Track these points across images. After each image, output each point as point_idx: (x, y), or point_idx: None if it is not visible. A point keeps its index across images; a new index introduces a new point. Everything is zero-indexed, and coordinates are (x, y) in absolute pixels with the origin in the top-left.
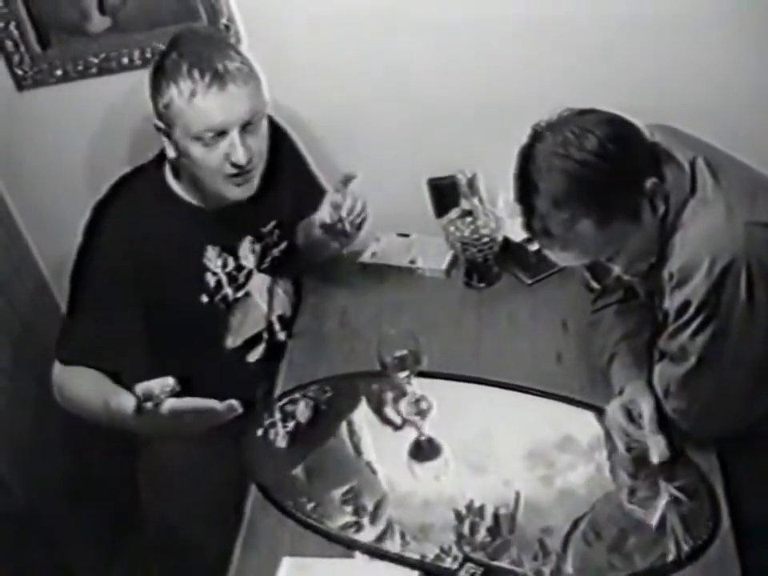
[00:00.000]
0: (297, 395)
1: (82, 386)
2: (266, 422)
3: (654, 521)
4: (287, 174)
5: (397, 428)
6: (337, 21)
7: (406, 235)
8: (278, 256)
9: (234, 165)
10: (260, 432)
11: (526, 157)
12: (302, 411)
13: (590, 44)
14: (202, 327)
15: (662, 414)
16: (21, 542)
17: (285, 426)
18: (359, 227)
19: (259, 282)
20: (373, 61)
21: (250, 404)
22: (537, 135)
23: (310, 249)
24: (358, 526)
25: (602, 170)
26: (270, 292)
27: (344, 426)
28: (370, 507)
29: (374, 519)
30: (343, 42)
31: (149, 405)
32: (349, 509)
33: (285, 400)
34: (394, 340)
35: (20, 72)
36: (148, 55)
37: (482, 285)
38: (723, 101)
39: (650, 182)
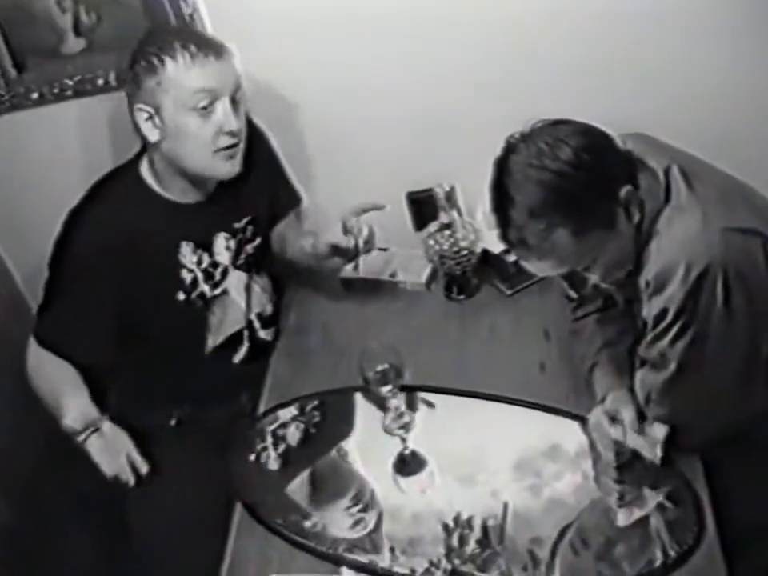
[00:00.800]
0: (287, 419)
1: (46, 375)
2: (259, 447)
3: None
4: (261, 170)
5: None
6: (314, 37)
7: (386, 249)
8: (253, 252)
9: (228, 134)
10: (252, 457)
11: (501, 168)
12: (293, 434)
13: (568, 56)
14: (182, 327)
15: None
16: (7, 560)
17: (276, 449)
18: (367, 252)
19: (236, 279)
20: (349, 75)
21: (235, 409)
22: (511, 147)
23: (295, 259)
24: (364, 523)
25: (576, 180)
26: (248, 289)
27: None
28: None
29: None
30: (317, 59)
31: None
32: (355, 510)
33: (275, 425)
34: (375, 354)
35: None
36: (124, 76)
37: (461, 297)
38: (708, 111)
39: (624, 191)
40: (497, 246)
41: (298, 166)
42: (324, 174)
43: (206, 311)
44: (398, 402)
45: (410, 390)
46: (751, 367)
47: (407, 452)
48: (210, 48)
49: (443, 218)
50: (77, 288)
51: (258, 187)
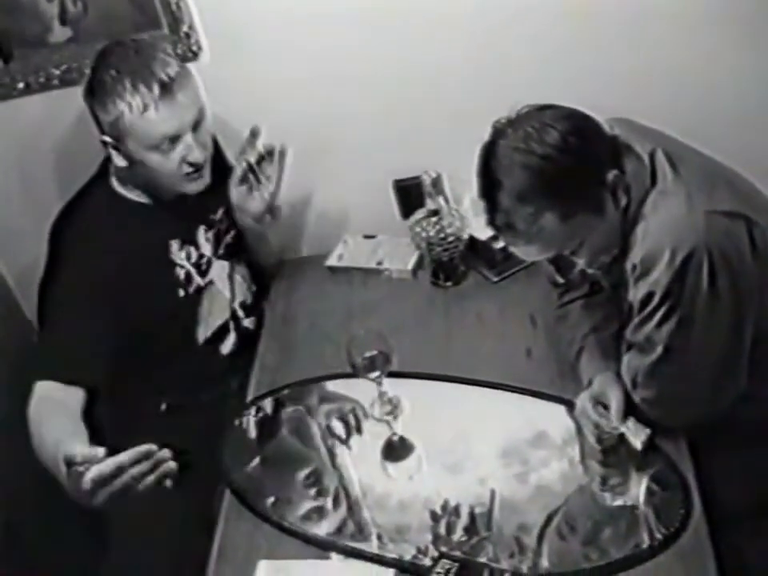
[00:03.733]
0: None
1: (46, 422)
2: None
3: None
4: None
5: (342, 441)
6: (298, 28)
7: (373, 237)
8: (231, 242)
9: (191, 164)
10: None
11: (488, 153)
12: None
13: (555, 44)
14: (178, 320)
15: (630, 404)
16: None
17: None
18: (275, 175)
19: (219, 269)
20: (336, 66)
21: (224, 394)
22: (498, 132)
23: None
24: (321, 512)
25: (563, 164)
26: (230, 278)
27: (316, 429)
28: (331, 489)
29: (336, 503)
30: (306, 49)
31: (72, 471)
32: (312, 492)
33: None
34: (364, 341)
35: None
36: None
37: (448, 284)
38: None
39: (611, 175)
40: (483, 233)
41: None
42: (309, 164)
43: (197, 304)
44: (385, 388)
45: (396, 377)
46: (736, 349)
47: (395, 438)
48: (164, 88)
49: (430, 204)
50: (76, 314)
51: (226, 180)
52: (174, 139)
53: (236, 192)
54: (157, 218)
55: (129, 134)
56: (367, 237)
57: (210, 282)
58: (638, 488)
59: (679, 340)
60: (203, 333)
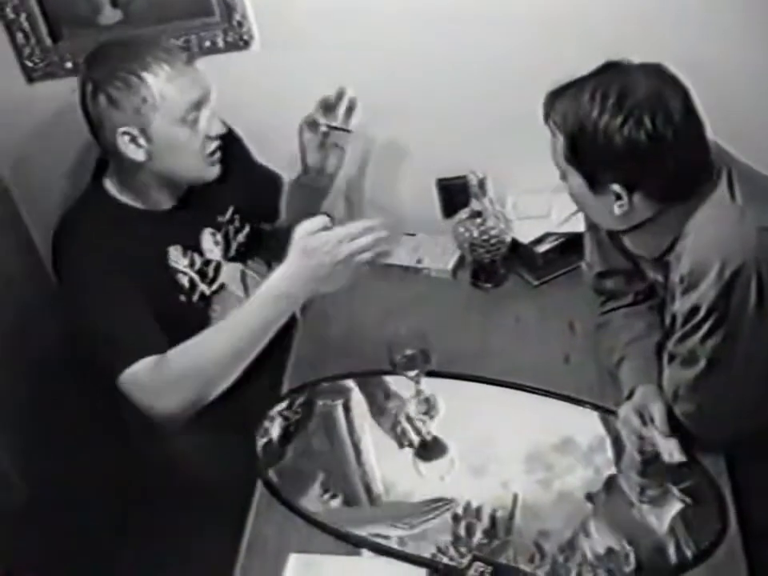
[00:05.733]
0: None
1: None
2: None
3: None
4: (230, 160)
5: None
6: (349, 20)
7: (413, 235)
8: (244, 242)
9: (214, 138)
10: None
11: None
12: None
13: (600, 44)
14: (191, 328)
15: (671, 417)
16: (21, 536)
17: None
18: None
19: (231, 272)
20: (384, 61)
21: (257, 398)
22: (599, 71)
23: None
24: None
25: (588, 140)
26: (243, 278)
27: (343, 424)
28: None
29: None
30: (355, 41)
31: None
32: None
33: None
34: (404, 339)
35: (30, 64)
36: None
37: (488, 285)
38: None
39: (617, 186)
40: (525, 237)
41: None
42: (354, 160)
43: (207, 309)
44: (423, 387)
45: (432, 376)
46: None
47: (429, 438)
48: (181, 57)
49: (475, 205)
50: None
51: (229, 177)
52: (198, 107)
53: (312, 157)
54: (159, 224)
55: (157, 109)
56: (408, 234)
57: (221, 287)
58: (675, 500)
59: (723, 355)
60: None
